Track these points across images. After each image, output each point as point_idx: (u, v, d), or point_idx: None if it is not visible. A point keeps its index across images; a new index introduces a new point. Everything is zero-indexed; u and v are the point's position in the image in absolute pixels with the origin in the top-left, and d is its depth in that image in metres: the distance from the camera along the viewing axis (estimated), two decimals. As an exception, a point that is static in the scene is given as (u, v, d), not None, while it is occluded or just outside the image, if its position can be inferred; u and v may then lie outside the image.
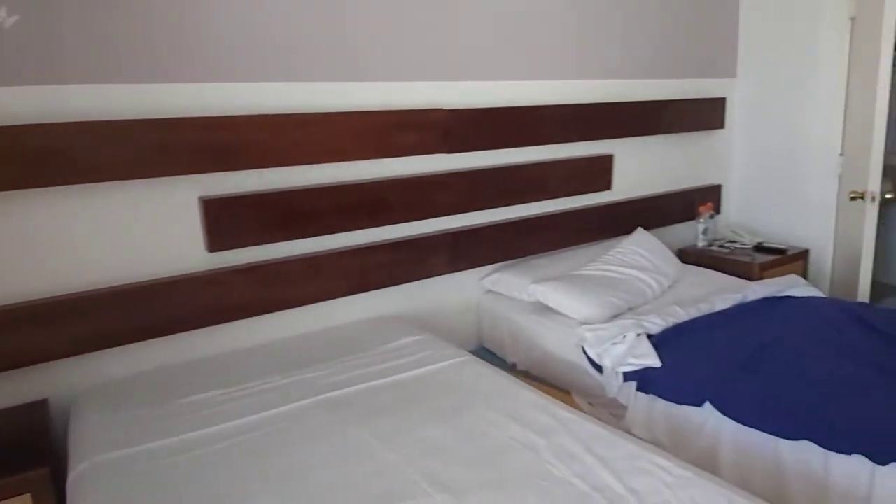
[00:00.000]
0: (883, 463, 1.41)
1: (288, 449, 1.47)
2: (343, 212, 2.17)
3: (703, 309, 2.28)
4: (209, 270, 1.96)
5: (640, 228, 2.93)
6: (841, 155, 3.06)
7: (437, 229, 2.46)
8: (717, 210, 3.48)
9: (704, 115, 3.33)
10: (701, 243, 3.25)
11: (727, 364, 1.82)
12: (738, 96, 3.49)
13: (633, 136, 3.03)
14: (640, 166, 3.14)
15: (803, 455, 1.54)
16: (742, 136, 3.52)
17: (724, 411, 1.69)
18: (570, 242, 2.85)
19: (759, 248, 3.20)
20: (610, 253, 2.69)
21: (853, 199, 2.73)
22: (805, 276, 3.19)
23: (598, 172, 2.91)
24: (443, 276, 2.52)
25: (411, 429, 1.53)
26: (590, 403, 2.13)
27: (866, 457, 1.43)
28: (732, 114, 3.51)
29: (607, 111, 2.88)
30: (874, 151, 2.60)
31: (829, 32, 3.05)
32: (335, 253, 2.20)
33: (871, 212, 2.65)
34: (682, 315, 2.20)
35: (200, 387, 1.77)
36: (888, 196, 2.74)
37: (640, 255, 2.69)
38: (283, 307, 2.12)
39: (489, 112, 2.49)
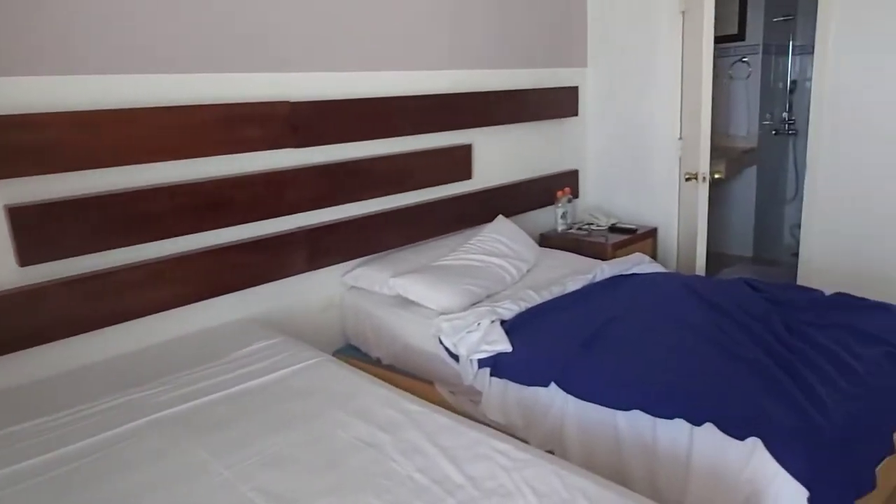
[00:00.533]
0: (699, 423, 1.54)
1: (115, 475, 1.36)
2: (184, 213, 2.03)
3: (556, 291, 2.37)
4: (23, 287, 1.76)
5: (500, 216, 3.00)
6: (680, 139, 3.31)
7: (293, 227, 2.38)
8: (576, 194, 3.65)
9: (559, 103, 3.47)
10: (560, 227, 3.40)
11: (572, 343, 1.91)
12: (590, 85, 3.67)
13: (492, 125, 3.09)
14: (500, 155, 3.22)
15: (635, 424, 1.65)
16: (595, 123, 3.71)
17: (567, 389, 1.78)
18: (433, 233, 2.86)
19: (613, 229, 3.41)
20: (470, 242, 2.73)
21: (688, 179, 2.96)
22: (654, 252, 3.44)
23: (458, 162, 2.94)
24: (303, 275, 2.44)
25: (251, 441, 1.46)
26: (452, 392, 2.16)
27: (685, 419, 1.55)
28: (585, 102, 3.69)
29: (466, 101, 2.91)
30: (703, 136, 2.83)
31: (665, 25, 3.28)
32: (179, 257, 2.06)
33: (703, 191, 2.89)
34: (535, 299, 2.28)
35: (22, 416, 1.59)
36: (717, 176, 2.98)
37: (500, 242, 2.76)
38: (121, 320, 1.96)
39: (341, 104, 2.43)
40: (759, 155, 4.43)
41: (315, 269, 2.46)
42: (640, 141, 3.52)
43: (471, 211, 3.01)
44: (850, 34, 2.81)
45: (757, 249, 4.56)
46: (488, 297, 2.41)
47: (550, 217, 3.47)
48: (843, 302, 2.18)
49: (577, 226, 3.48)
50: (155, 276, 1.99)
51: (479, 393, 2.03)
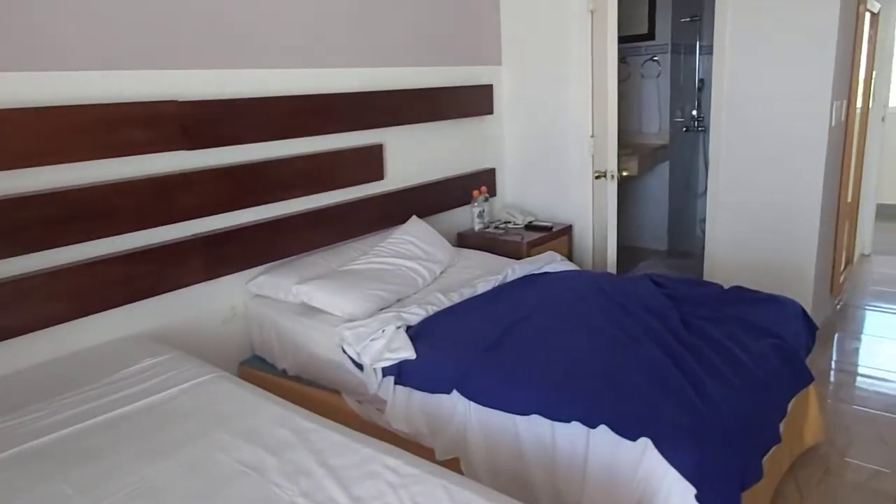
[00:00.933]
0: (594, 426, 1.54)
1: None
2: (55, 224, 1.87)
3: (466, 294, 2.35)
4: None
5: (414, 217, 2.96)
6: (592, 136, 3.36)
7: (188, 234, 2.24)
8: (493, 193, 3.65)
9: (474, 101, 3.45)
10: (477, 226, 3.39)
11: (475, 348, 1.88)
12: (505, 83, 3.67)
13: (405, 124, 3.03)
14: (415, 154, 3.17)
15: (535, 428, 1.64)
16: (510, 121, 3.71)
17: (469, 396, 1.75)
18: (344, 236, 2.78)
19: (530, 227, 3.42)
20: (382, 244, 2.67)
21: (597, 177, 3.01)
22: (570, 249, 3.48)
23: (369, 163, 2.87)
24: (202, 285, 2.31)
25: (122, 472, 1.35)
26: (359, 401, 2.10)
27: (581, 422, 1.55)
28: (501, 100, 3.69)
29: (377, 100, 2.84)
30: (610, 135, 2.87)
31: (575, 24, 3.31)
32: (52, 272, 1.89)
33: (612, 189, 2.94)
34: (444, 302, 2.24)
35: None
36: (626, 173, 3.04)
37: (413, 244, 2.71)
38: (-12, 342, 1.78)
39: (240, 103, 2.31)
40: (671, 151, 4.58)
41: (214, 277, 2.33)
42: (555, 139, 3.55)
43: (384, 212, 2.95)
44: (744, 35, 2.92)
45: (671, 243, 4.72)
46: (399, 301, 2.36)
47: (468, 216, 3.45)
48: (739, 295, 2.26)
49: (494, 224, 3.48)
50: (22, 294, 1.82)
51: (383, 401, 1.98)
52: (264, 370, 2.39)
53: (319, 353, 2.16)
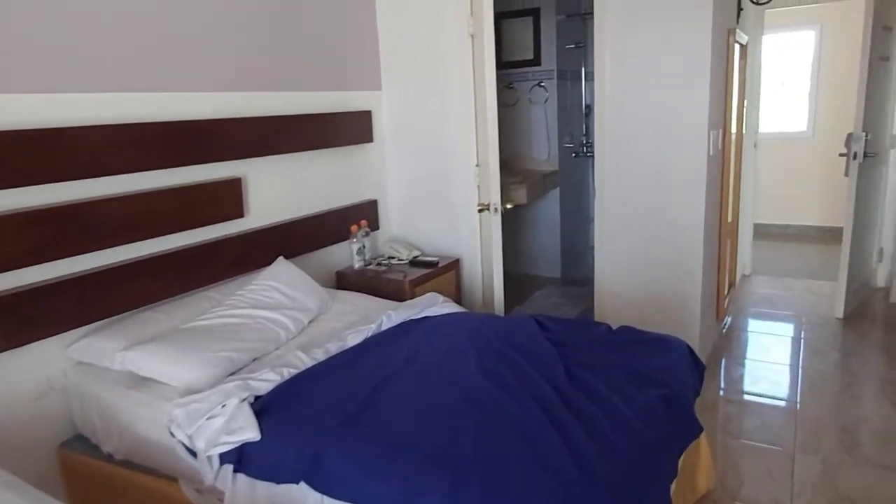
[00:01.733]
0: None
1: None
2: None
3: (332, 349, 2.06)
4: None
5: (280, 258, 2.64)
6: (477, 166, 3.18)
7: (-22, 294, 1.81)
8: (375, 226, 3.40)
9: (352, 128, 3.20)
10: (357, 264, 3.11)
11: (330, 423, 1.60)
12: (385, 109, 3.45)
13: (272, 154, 2.72)
14: (284, 187, 2.86)
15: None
16: (393, 149, 3.49)
17: (319, 488, 1.46)
18: (194, 285, 2.42)
19: (415, 262, 3.19)
20: (240, 293, 2.34)
21: (480, 210, 2.83)
22: (458, 284, 3.28)
23: (226, 198, 2.53)
24: (4, 355, 1.88)
25: None
26: (197, 491, 1.74)
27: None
28: (381, 127, 3.47)
29: (237, 128, 2.52)
30: (491, 165, 2.70)
31: (457, 48, 3.14)
32: None
33: (496, 222, 2.77)
34: (303, 362, 1.95)
35: None
36: (509, 206, 2.87)
37: (277, 291, 2.40)
38: None
39: (52, 134, 1.92)
40: (562, 177, 4.53)
41: (20, 345, 1.91)
42: (439, 168, 3.36)
43: (246, 254, 2.61)
44: (623, 63, 2.86)
45: (565, 270, 4.66)
46: (256, 360, 2.04)
47: (348, 253, 3.17)
48: (626, 337, 2.12)
49: (377, 260, 3.22)
50: None
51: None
52: (87, 453, 1.98)
53: (149, 434, 1.79)
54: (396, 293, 2.90)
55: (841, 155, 3.63)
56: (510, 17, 4.42)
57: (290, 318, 2.29)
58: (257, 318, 2.21)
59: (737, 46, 3.30)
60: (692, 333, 3.02)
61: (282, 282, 2.46)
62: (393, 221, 3.57)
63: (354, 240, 3.09)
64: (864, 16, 3.42)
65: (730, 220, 3.67)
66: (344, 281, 3.08)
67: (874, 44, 3.44)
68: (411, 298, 2.87)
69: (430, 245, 3.47)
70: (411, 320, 2.34)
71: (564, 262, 4.65)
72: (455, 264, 3.25)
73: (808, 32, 5.79)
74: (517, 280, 4.72)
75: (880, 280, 4.31)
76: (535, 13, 4.33)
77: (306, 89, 2.96)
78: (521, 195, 3.77)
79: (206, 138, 2.41)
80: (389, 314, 2.32)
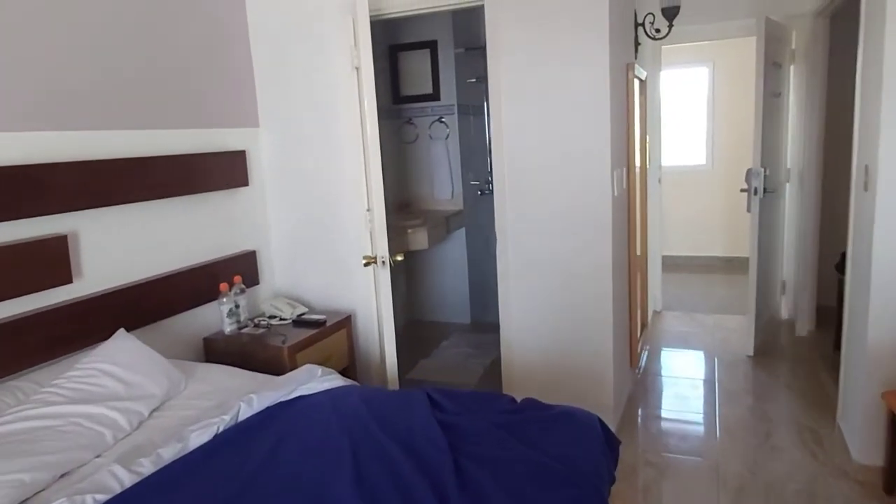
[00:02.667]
0: None
1: None
2: None
3: (166, 456, 1.62)
4: None
5: (120, 332, 2.17)
6: (368, 210, 2.85)
7: None
8: (254, 281, 2.97)
9: (222, 170, 2.78)
10: (229, 328, 2.67)
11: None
12: (264, 148, 3.06)
13: (116, 203, 2.26)
14: (134, 242, 2.40)
15: None
16: (275, 193, 3.09)
17: None
18: (-4, 374, 1.91)
19: (299, 322, 2.79)
20: (55, 383, 1.85)
21: (366, 264, 2.48)
22: (351, 343, 2.90)
23: (44, 261, 2.04)
24: None
25: None
26: None
27: None
28: (261, 168, 3.07)
29: (67, 173, 2.07)
30: (377, 213, 2.37)
31: (342, 82, 2.82)
32: None
33: (384, 277, 2.42)
34: (121, 482, 1.50)
35: None
36: (400, 258, 2.53)
37: (109, 376, 1.93)
38: None
39: None
40: (467, 217, 4.28)
41: None
42: (327, 213, 3.00)
43: (74, 329, 2.12)
44: (519, 99, 2.64)
45: (475, 315, 4.38)
46: (63, 477, 1.57)
47: (219, 315, 2.72)
48: (530, 415, 1.82)
49: (256, 320, 2.79)
50: None
51: None
52: None
53: None
54: (274, 362, 2.48)
55: (742, 191, 3.59)
56: (406, 49, 4.17)
57: (121, 412, 1.83)
58: (73, 416, 1.73)
59: (636, 82, 3.18)
60: (606, 386, 2.78)
61: (117, 363, 1.99)
62: (277, 274, 3.16)
63: (224, 300, 2.65)
64: (755, 53, 3.40)
65: (638, 254, 3.52)
66: (213, 349, 2.63)
67: (766, 80, 3.43)
68: (291, 367, 2.48)
69: (319, 299, 3.08)
70: (280, 403, 1.94)
71: (474, 307, 4.37)
72: (346, 321, 2.88)
73: (701, 69, 5.93)
74: (424, 328, 4.39)
75: (784, 312, 4.31)
76: (431, 46, 4.10)
77: (163, 126, 2.53)
78: (421, 239, 3.47)
79: (19, 188, 1.93)
80: (251, 398, 1.90)
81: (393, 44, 4.21)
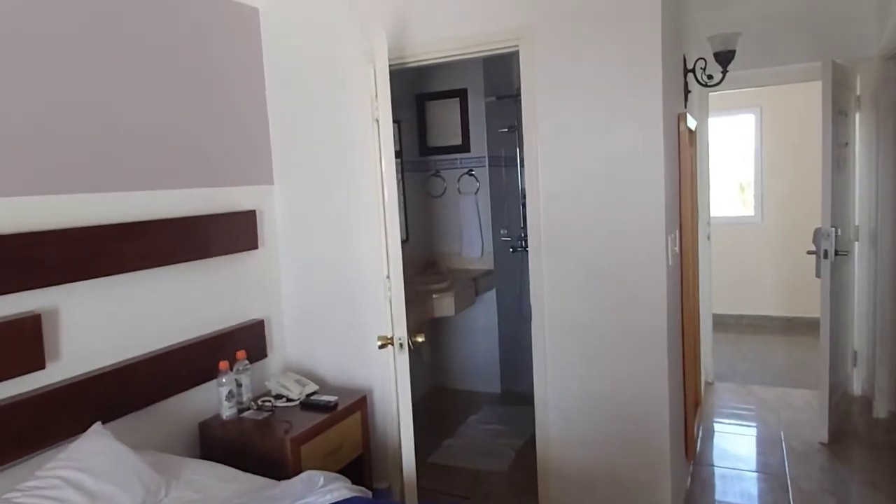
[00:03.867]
0: None
1: None
2: None
3: None
4: None
5: (95, 426, 1.87)
6: (387, 277, 2.54)
7: None
8: (262, 354, 2.67)
9: (229, 233, 2.53)
10: (227, 412, 2.36)
11: None
12: (279, 207, 2.81)
13: (101, 275, 2.01)
14: (124, 316, 2.13)
15: None
16: (289, 256, 2.82)
17: None
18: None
19: (307, 404, 2.47)
20: (7, 497, 1.55)
21: (382, 346, 2.15)
22: (366, 428, 2.56)
23: (11, 345, 1.77)
24: None
25: None
26: None
27: None
28: (274, 229, 2.81)
29: (55, 242, 1.84)
30: (395, 288, 2.06)
31: (361, 134, 2.57)
32: None
33: (402, 361, 2.08)
34: None
35: None
36: (420, 339, 2.19)
37: (73, 487, 1.63)
38: None
39: None
40: (497, 277, 3.95)
41: None
42: (345, 279, 2.71)
43: (44, 422, 1.83)
44: (556, 146, 2.33)
45: (505, 384, 4.00)
46: None
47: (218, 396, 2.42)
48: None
49: (260, 401, 2.48)
50: None
51: None
52: None
53: None
54: (275, 455, 2.16)
55: (809, 253, 3.19)
56: (435, 98, 3.94)
57: (82, 535, 1.51)
58: (19, 546, 1.42)
59: (687, 132, 2.85)
60: (661, 486, 2.36)
61: (85, 468, 1.69)
62: (289, 345, 2.86)
63: (224, 379, 2.35)
64: (821, 100, 3.06)
65: (692, 322, 3.13)
66: (209, 436, 2.32)
67: (833, 129, 3.07)
68: (294, 462, 2.15)
69: (334, 374, 2.77)
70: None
71: (505, 375, 4.00)
72: (361, 402, 2.54)
73: (748, 116, 5.59)
74: (451, 397, 4.02)
75: (857, 388, 3.82)
76: (461, 94, 3.87)
77: (165, 187, 2.30)
78: (447, 306, 3.15)
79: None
80: (235, 521, 1.57)
81: (420, 92, 3.99)
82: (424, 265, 4.00)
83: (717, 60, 2.96)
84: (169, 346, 2.28)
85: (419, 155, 4.04)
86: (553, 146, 2.32)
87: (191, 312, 2.40)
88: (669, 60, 2.42)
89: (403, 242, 3.83)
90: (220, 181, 2.54)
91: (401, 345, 2.01)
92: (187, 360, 2.32)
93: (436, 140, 3.98)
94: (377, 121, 2.43)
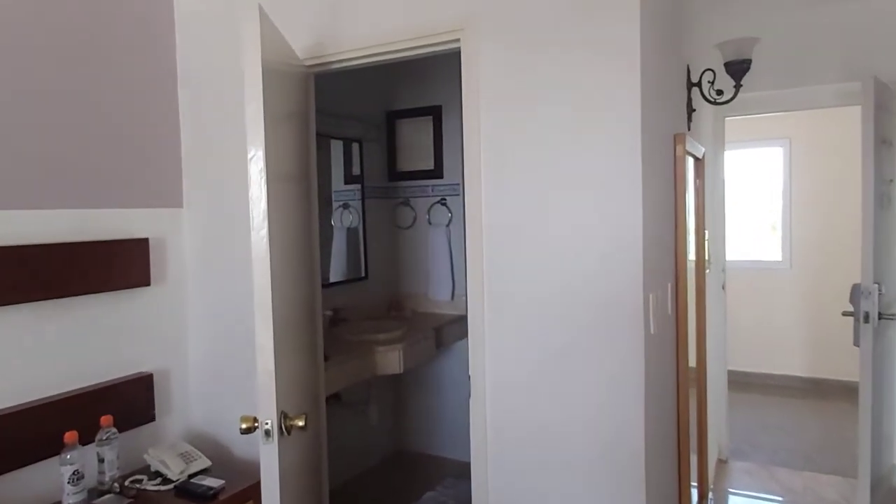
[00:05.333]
0: None
1: None
2: None
3: None
4: None
5: None
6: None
7: None
8: (148, 415, 2.15)
9: (108, 266, 2.04)
10: (72, 499, 1.82)
11: None
12: (188, 236, 2.32)
13: None
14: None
15: None
16: (197, 295, 2.32)
17: None
18: None
19: (183, 490, 1.93)
20: None
21: (245, 431, 1.58)
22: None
23: None
24: None
25: None
26: None
27: None
28: (182, 261, 2.32)
29: None
30: (262, 354, 1.51)
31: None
32: None
33: (270, 455, 1.50)
34: None
35: None
36: (300, 424, 1.64)
37: None
38: None
39: None
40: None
41: None
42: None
43: None
44: (498, 172, 1.80)
45: (475, 451, 3.39)
46: None
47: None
48: None
49: (129, 481, 1.95)
50: None
51: None
52: None
53: None
54: (111, 568, 1.62)
55: (846, 314, 2.56)
56: (406, 115, 3.45)
57: None
58: None
59: (689, 160, 2.30)
60: None
61: None
62: (193, 405, 2.33)
63: (68, 456, 1.82)
64: (861, 127, 2.48)
65: (698, 394, 2.52)
66: (40, 533, 1.80)
67: (876, 163, 2.48)
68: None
69: (243, 444, 2.23)
70: None
71: (476, 440, 3.40)
72: (256, 490, 1.99)
73: (774, 149, 4.99)
74: (412, 463, 3.44)
75: (904, 477, 3.13)
76: (435, 112, 3.37)
77: (18, 206, 1.83)
78: (391, 361, 2.59)
79: None
80: None
81: (391, 109, 3.51)
82: (388, 307, 3.47)
83: (728, 72, 2.41)
84: (7, 408, 1.78)
85: (388, 180, 3.54)
86: (498, 172, 1.79)
87: (42, 366, 1.90)
88: (661, 67, 1.88)
89: (360, 280, 3.34)
90: (103, 201, 2.06)
91: (267, 432, 1.46)
92: (31, 426, 1.81)
93: (406, 164, 3.49)
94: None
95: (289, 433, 1.51)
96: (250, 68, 1.46)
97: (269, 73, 1.57)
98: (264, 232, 1.50)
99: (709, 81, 2.42)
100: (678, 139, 2.06)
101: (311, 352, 2.04)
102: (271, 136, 1.58)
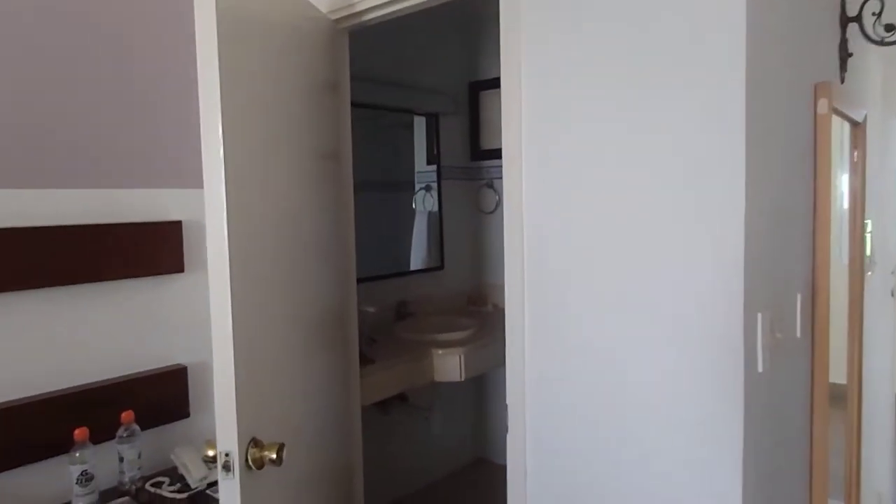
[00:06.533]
0: None
1: None
2: None
3: None
4: None
5: None
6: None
7: None
8: (182, 412, 2.01)
9: (142, 251, 1.91)
10: (81, 501, 1.70)
11: None
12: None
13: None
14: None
15: None
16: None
17: None
18: None
19: (197, 499, 1.75)
20: None
21: (208, 459, 1.32)
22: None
23: None
24: None
25: None
26: None
27: None
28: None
29: None
30: (220, 370, 1.24)
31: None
32: None
33: (230, 490, 1.21)
34: None
35: None
36: (272, 456, 1.35)
37: None
38: None
39: None
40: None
41: None
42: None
43: None
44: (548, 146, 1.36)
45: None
46: None
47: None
48: None
49: (149, 483, 1.81)
50: None
51: None
52: None
53: None
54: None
55: None
56: (492, 87, 3.05)
57: None
58: None
59: (842, 124, 1.69)
60: None
61: None
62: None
63: (77, 454, 1.70)
64: None
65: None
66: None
67: None
68: None
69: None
70: None
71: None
72: None
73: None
74: (491, 473, 3.09)
75: None
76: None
77: (45, 185, 1.73)
78: (450, 367, 2.24)
79: None
80: None
81: (475, 80, 3.12)
82: (467, 300, 3.12)
83: (905, 1, 1.73)
84: (23, 398, 1.69)
85: (470, 160, 3.17)
86: (547, 148, 1.36)
87: (66, 354, 1.80)
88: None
89: (436, 270, 3.01)
90: (130, 181, 1.93)
91: (225, 466, 1.18)
92: (43, 420, 1.72)
93: (491, 141, 3.09)
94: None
95: (259, 468, 1.22)
96: (202, 10, 1.16)
97: (259, 26, 1.28)
98: (221, 215, 1.22)
99: (873, 13, 1.75)
100: (820, 90, 1.47)
101: (330, 357, 1.76)
102: (276, 112, 1.29)
